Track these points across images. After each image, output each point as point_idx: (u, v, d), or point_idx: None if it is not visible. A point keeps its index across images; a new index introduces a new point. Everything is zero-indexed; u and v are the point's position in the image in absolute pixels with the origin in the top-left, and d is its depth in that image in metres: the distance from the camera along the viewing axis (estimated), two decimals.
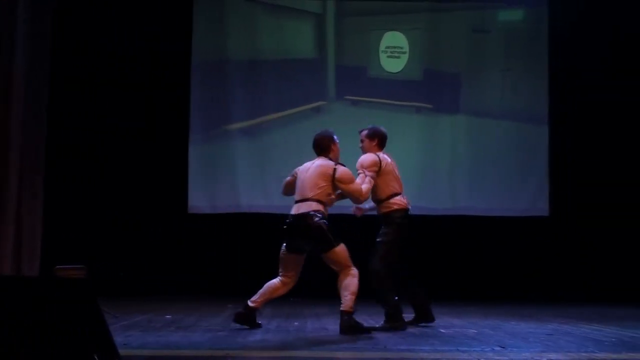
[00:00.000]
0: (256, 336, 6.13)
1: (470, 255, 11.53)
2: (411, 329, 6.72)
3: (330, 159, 6.88)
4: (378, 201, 7.04)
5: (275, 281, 6.87)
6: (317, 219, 6.56)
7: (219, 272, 11.29)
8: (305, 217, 6.60)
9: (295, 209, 6.73)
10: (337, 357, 5.07)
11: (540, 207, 11.62)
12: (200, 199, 11.44)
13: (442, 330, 6.69)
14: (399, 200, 7.03)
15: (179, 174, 11.38)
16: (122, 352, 3.95)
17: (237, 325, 6.81)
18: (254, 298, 6.80)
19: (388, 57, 11.90)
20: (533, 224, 11.63)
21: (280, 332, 6.54)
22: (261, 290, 6.84)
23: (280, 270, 6.89)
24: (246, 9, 11.86)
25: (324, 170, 6.75)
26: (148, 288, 10.92)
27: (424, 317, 7.09)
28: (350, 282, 6.57)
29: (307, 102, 11.73)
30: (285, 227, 6.76)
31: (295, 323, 7.30)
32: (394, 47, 11.91)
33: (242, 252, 11.37)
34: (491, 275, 11.44)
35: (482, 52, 11.98)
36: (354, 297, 6.54)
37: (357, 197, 6.79)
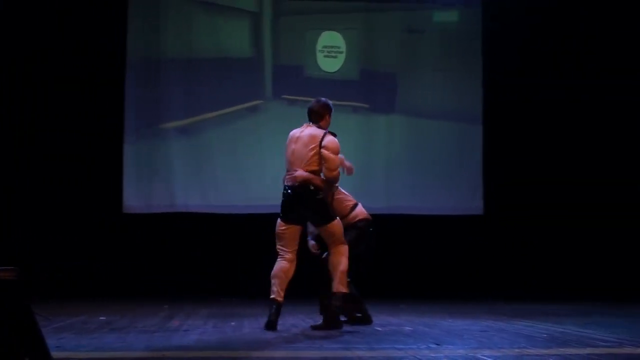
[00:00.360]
0: (193, 336, 6.09)
1: (405, 253, 11.62)
2: (347, 328, 6.73)
3: (321, 127, 6.81)
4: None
5: (282, 264, 6.74)
6: (318, 195, 6.60)
7: (154, 272, 11.19)
8: (305, 187, 6.59)
9: (291, 180, 6.66)
10: (275, 356, 5.06)
11: (474, 205, 11.78)
12: (135, 199, 11.33)
13: (378, 329, 6.72)
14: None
15: (113, 173, 11.26)
16: (55, 354, 3.90)
17: (173, 326, 6.76)
18: (274, 296, 6.61)
19: (325, 56, 11.93)
20: (468, 223, 11.78)
21: (218, 332, 6.50)
22: (275, 282, 6.65)
23: (281, 248, 6.78)
24: (182, 7, 11.78)
25: (314, 134, 6.76)
26: (82, 289, 10.77)
27: (363, 318, 7.09)
28: (340, 260, 6.60)
29: (243, 101, 11.69)
30: (283, 198, 6.67)
31: (232, 323, 7.26)
32: (331, 47, 11.95)
33: (179, 252, 11.29)
34: (427, 273, 11.55)
35: (418, 52, 12.09)
36: (344, 276, 6.57)
37: (332, 170, 6.69)
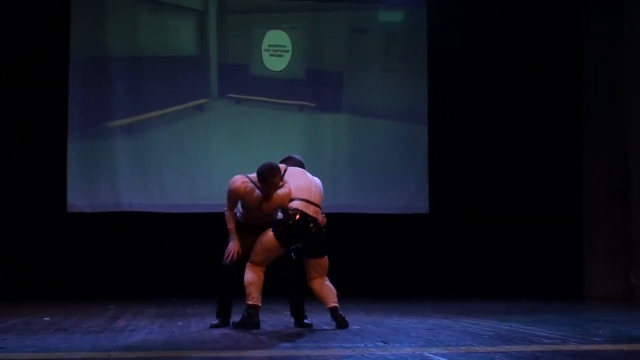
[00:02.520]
0: (139, 336, 6.03)
1: (352, 252, 11.64)
2: (295, 327, 6.73)
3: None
4: None
5: (261, 274, 6.70)
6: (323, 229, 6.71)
7: (99, 272, 11.07)
8: (319, 221, 6.67)
9: (311, 210, 6.64)
10: (222, 356, 5.03)
11: (420, 204, 11.87)
12: (80, 198, 11.19)
13: (326, 328, 6.73)
14: None
15: (57, 172, 11.10)
16: None
17: (119, 327, 6.70)
18: (254, 302, 6.59)
19: (270, 55, 11.92)
20: (413, 221, 11.86)
21: (164, 332, 6.45)
22: (254, 289, 6.65)
23: (263, 262, 6.66)
24: (127, 5, 11.67)
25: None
26: (25, 290, 10.60)
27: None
28: (329, 285, 6.80)
29: (189, 99, 11.64)
30: (299, 222, 6.53)
31: (179, 323, 7.21)
32: (277, 46, 11.94)
33: (123, 251, 11.19)
34: (373, 272, 11.61)
35: (363, 52, 12.14)
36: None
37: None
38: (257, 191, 6.57)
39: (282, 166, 6.81)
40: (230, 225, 6.74)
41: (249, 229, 6.74)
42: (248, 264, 6.70)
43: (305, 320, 6.90)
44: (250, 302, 6.59)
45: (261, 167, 6.58)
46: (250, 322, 6.52)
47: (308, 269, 6.76)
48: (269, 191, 6.53)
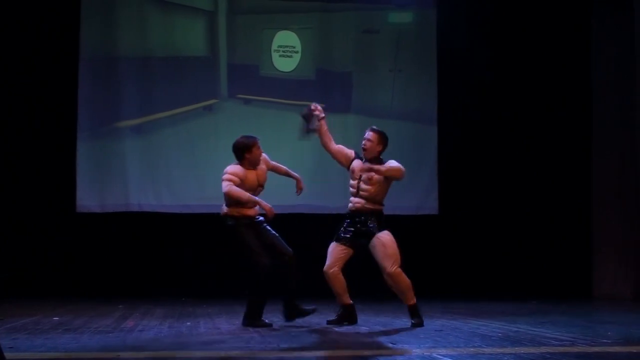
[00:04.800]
0: (148, 337, 6.05)
1: (360, 253, 11.62)
2: (304, 328, 6.74)
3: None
4: None
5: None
6: None
7: (108, 272, 11.10)
8: None
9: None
10: (231, 356, 5.04)
11: (430, 205, 11.85)
12: (89, 198, 11.21)
13: (335, 328, 6.74)
14: None
15: (66, 172, 11.12)
16: (8, 355, 3.85)
17: (128, 327, 6.72)
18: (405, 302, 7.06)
19: (280, 56, 11.92)
20: (423, 222, 11.84)
21: (173, 332, 6.46)
22: (399, 294, 7.09)
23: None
24: (136, 5, 11.67)
25: None
26: (35, 290, 10.63)
27: (293, 311, 7.11)
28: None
29: (198, 100, 11.64)
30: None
31: (188, 323, 7.23)
32: (286, 47, 11.94)
33: (133, 252, 11.20)
34: (381, 272, 11.58)
35: (373, 53, 12.13)
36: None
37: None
38: (247, 171, 6.95)
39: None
40: (244, 195, 6.82)
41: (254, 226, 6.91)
42: (399, 270, 7.07)
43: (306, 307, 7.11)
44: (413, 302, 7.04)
45: (238, 141, 7.11)
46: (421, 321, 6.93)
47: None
48: (257, 159, 6.94)
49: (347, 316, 7.16)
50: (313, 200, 11.57)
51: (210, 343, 5.69)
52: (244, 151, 6.97)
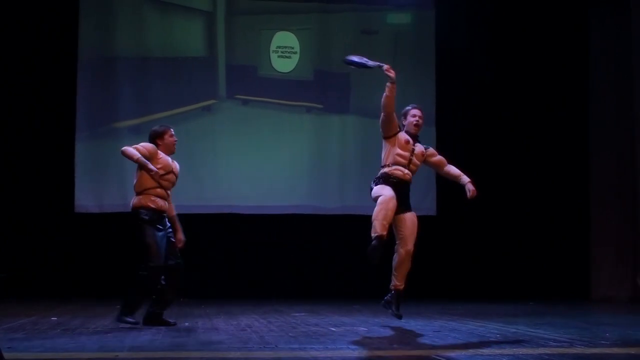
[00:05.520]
0: (146, 337, 6.04)
1: (359, 254, 11.63)
2: (302, 328, 6.73)
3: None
4: None
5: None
6: None
7: (107, 272, 11.09)
8: None
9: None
10: (229, 357, 5.04)
11: (427, 206, 11.84)
12: (87, 198, 11.21)
13: (332, 329, 6.73)
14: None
15: (65, 172, 11.12)
16: (6, 355, 3.84)
17: (126, 327, 6.71)
18: (396, 282, 7.29)
19: (279, 57, 11.93)
20: (421, 223, 11.81)
21: (171, 332, 6.45)
22: (396, 272, 7.30)
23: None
24: (134, 6, 11.70)
25: None
26: (32, 290, 10.63)
27: (153, 318, 7.03)
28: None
29: (197, 100, 11.65)
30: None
31: (186, 323, 7.22)
32: (285, 47, 11.95)
33: (130, 252, 11.18)
34: (380, 273, 11.58)
35: (371, 53, 12.00)
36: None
37: None
38: (163, 155, 7.01)
39: None
40: (135, 154, 6.91)
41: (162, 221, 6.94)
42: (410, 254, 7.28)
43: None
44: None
45: (152, 130, 7.17)
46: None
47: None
48: (171, 148, 7.07)
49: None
50: (309, 200, 11.59)
51: (208, 344, 5.69)
52: (156, 138, 7.08)
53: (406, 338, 6.02)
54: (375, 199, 7.06)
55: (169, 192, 7.12)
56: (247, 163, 11.53)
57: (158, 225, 6.90)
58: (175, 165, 7.18)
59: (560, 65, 12.16)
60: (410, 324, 7.31)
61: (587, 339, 5.92)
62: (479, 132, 12.11)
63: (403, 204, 7.19)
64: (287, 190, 11.65)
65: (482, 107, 12.08)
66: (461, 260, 11.85)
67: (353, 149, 11.92)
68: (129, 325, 6.71)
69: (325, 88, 11.97)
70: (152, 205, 6.92)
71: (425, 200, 11.90)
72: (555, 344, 5.67)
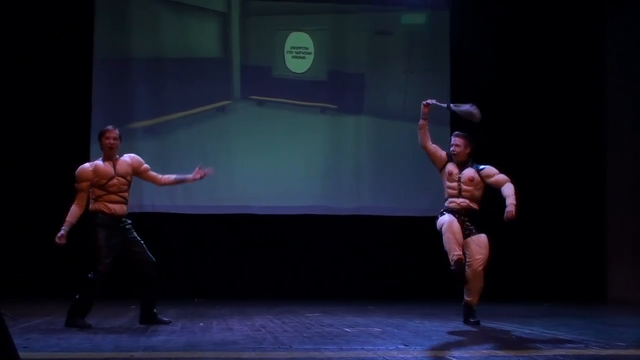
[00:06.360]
0: (161, 337, 6.06)
1: (375, 254, 11.64)
2: (316, 329, 6.73)
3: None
4: None
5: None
6: None
7: (122, 273, 11.09)
8: None
9: None
10: (243, 357, 5.04)
11: (442, 207, 11.79)
12: None
13: (346, 329, 6.72)
14: None
15: None
16: (22, 355, 3.85)
17: (141, 327, 6.74)
18: (466, 297, 7.44)
19: (293, 57, 11.93)
20: (435, 224, 11.80)
21: (186, 332, 6.47)
22: (466, 288, 7.42)
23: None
24: (149, 7, 11.70)
25: None
26: (48, 290, 10.66)
27: (148, 318, 7.13)
28: None
29: (211, 101, 11.66)
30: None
31: (201, 324, 7.24)
32: (299, 48, 11.95)
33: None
34: (396, 274, 11.58)
35: (386, 54, 12.12)
36: None
37: None
38: (101, 162, 7.04)
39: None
40: (70, 218, 7.10)
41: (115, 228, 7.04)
42: (482, 271, 7.45)
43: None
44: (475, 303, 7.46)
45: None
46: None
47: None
48: (106, 152, 7.03)
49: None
50: (324, 201, 11.59)
51: (222, 344, 5.69)
52: (99, 137, 7.17)
53: (421, 339, 6.01)
54: (440, 228, 7.45)
55: (122, 195, 7.15)
56: (261, 164, 11.54)
57: (112, 230, 7.01)
58: (124, 163, 7.15)
59: (576, 64, 12.11)
60: (425, 324, 7.30)
61: (603, 341, 5.89)
62: (494, 133, 12.05)
63: (467, 229, 7.51)
64: (301, 191, 11.64)
65: (497, 107, 12.02)
66: None
67: (367, 150, 11.90)
68: (77, 329, 6.75)
69: (339, 89, 11.96)
70: (106, 210, 7.05)
71: (439, 201, 11.82)
72: (570, 345, 5.65)
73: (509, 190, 7.66)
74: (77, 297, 7.01)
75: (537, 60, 12.15)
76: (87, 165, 7.12)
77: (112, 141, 7.06)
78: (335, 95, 11.94)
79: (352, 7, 12.09)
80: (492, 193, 7.82)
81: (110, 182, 7.02)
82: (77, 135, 11.23)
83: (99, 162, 7.08)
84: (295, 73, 11.94)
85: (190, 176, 7.45)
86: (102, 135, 7.11)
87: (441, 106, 7.75)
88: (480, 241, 7.49)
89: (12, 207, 10.99)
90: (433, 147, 7.77)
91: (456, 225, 7.31)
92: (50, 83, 11.22)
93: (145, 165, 7.38)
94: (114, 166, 7.08)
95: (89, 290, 6.99)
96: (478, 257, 7.36)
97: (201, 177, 7.48)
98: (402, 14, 12.21)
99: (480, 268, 7.35)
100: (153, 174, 7.44)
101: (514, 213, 7.51)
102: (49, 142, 11.17)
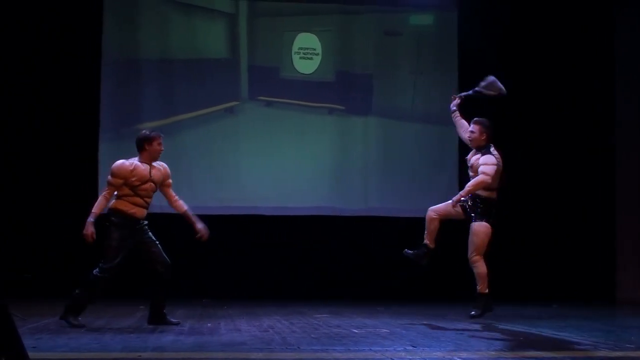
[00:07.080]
0: (169, 337, 6.07)
1: (383, 256, 11.63)
2: (324, 330, 6.73)
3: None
4: None
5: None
6: None
7: (131, 273, 11.11)
8: None
9: None
10: (251, 358, 5.05)
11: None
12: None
13: (354, 331, 6.72)
14: None
15: (89, 173, 11.17)
16: (31, 355, 3.86)
17: (150, 327, 6.76)
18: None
19: (301, 58, 11.93)
20: (445, 225, 11.73)
21: (194, 333, 6.48)
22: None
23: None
24: (158, 8, 11.73)
25: None
26: (57, 290, 10.67)
27: (157, 318, 7.13)
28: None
29: (219, 102, 11.68)
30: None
31: (209, 324, 7.25)
32: (307, 49, 11.95)
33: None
34: (403, 275, 11.56)
35: (394, 55, 12.11)
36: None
37: None
38: (140, 164, 7.01)
39: None
40: (96, 209, 7.16)
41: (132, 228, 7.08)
42: (476, 258, 7.90)
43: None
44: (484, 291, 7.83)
45: (143, 133, 7.19)
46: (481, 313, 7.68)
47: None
48: (155, 156, 7.07)
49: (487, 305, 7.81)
50: (332, 202, 11.59)
51: (230, 344, 5.70)
52: (144, 142, 7.10)
53: (429, 340, 6.00)
54: None
55: (147, 200, 7.15)
56: (269, 164, 11.54)
57: (127, 231, 7.03)
58: (158, 171, 7.17)
59: (584, 64, 12.08)
60: (433, 326, 7.28)
61: (612, 342, 5.88)
62: (503, 133, 12.01)
63: (468, 215, 7.95)
64: (309, 192, 11.65)
65: (506, 107, 11.99)
66: (487, 263, 11.77)
67: (375, 151, 11.90)
68: (69, 326, 6.79)
69: (347, 89, 11.96)
70: (126, 210, 7.06)
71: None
72: (579, 347, 5.64)
73: (471, 181, 7.95)
74: (76, 291, 7.00)
75: (544, 60, 12.13)
76: (127, 163, 7.03)
77: (162, 147, 7.10)
78: (343, 96, 11.94)
79: (360, 8, 12.09)
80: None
81: (143, 186, 7.03)
82: (86, 136, 11.25)
83: (138, 163, 7.03)
84: (303, 74, 11.94)
85: (197, 224, 7.38)
86: (152, 140, 7.06)
87: (468, 94, 7.87)
88: (473, 229, 7.80)
89: (17, 206, 11.01)
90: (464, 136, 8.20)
91: (433, 213, 8.09)
92: (59, 84, 11.24)
93: (170, 180, 7.37)
94: (150, 170, 7.02)
95: (90, 287, 7.01)
96: (470, 247, 7.78)
97: (200, 237, 7.32)
98: (409, 15, 12.20)
99: (472, 256, 7.77)
100: (171, 192, 7.40)
101: (454, 203, 7.93)
102: (58, 143, 11.19)
